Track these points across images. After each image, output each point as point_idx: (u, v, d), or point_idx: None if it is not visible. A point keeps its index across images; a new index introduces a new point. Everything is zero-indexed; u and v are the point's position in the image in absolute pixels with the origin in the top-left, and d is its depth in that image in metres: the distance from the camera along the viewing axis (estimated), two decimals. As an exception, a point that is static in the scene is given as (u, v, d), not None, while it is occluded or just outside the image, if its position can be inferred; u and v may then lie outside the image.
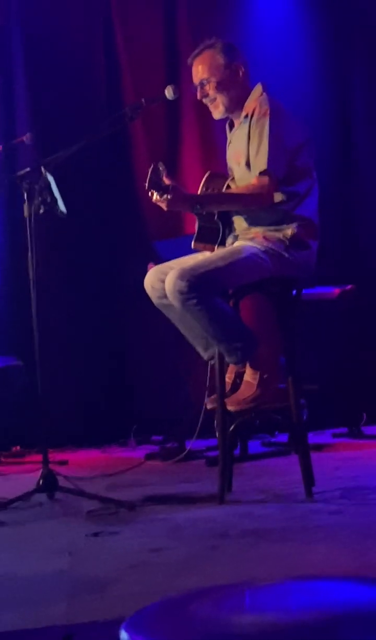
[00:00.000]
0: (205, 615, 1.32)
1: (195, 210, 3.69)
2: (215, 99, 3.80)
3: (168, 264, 3.76)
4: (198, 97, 3.83)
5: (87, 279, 5.59)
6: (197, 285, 3.47)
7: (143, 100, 3.79)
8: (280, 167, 3.63)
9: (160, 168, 3.60)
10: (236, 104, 3.79)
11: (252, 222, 3.71)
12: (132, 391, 5.60)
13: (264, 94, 3.73)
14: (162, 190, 3.53)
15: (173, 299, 3.53)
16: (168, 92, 3.76)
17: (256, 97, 3.74)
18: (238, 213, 3.74)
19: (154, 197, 3.56)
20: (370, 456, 4.53)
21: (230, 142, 3.92)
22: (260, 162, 3.62)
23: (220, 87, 3.77)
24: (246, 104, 3.77)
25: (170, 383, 5.10)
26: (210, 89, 3.79)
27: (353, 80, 5.77)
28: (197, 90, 3.82)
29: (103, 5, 5.72)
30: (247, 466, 4.41)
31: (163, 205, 3.60)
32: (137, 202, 5.33)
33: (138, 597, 2.43)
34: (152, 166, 3.59)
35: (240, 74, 3.78)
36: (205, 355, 3.76)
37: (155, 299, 3.76)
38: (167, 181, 3.60)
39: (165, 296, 3.61)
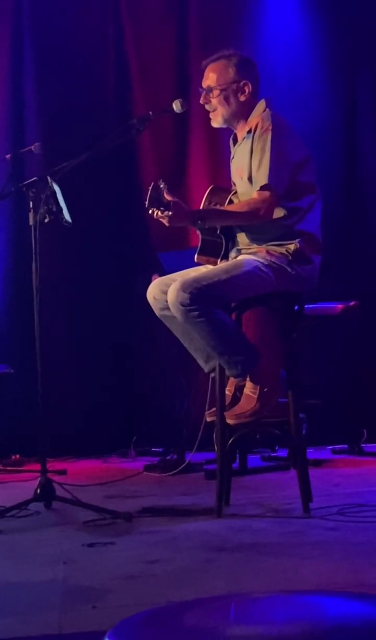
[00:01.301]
0: (189, 626, 1.31)
1: (196, 226, 3.71)
2: (216, 109, 3.83)
3: (171, 276, 3.77)
4: (201, 101, 3.87)
5: (90, 288, 5.60)
6: (199, 297, 3.48)
7: (151, 112, 3.81)
8: (282, 182, 3.64)
9: (161, 185, 3.61)
10: (236, 118, 3.83)
11: (255, 237, 3.72)
12: (133, 402, 5.61)
13: (267, 109, 3.74)
14: (163, 206, 3.55)
15: (175, 311, 3.54)
16: (176, 106, 3.78)
17: (259, 112, 3.76)
18: (241, 228, 3.75)
19: (156, 214, 3.58)
20: (369, 473, 4.52)
21: (233, 156, 3.93)
22: (262, 176, 3.63)
23: (224, 99, 3.80)
24: (250, 119, 3.79)
25: (171, 395, 5.10)
26: (214, 98, 3.82)
27: (360, 95, 5.78)
28: (201, 94, 3.85)
29: (115, 17, 5.74)
30: (245, 480, 4.41)
31: (165, 222, 3.61)
32: (143, 214, 5.34)
33: (131, 608, 2.42)
34: (152, 184, 3.60)
35: (247, 91, 3.79)
36: (205, 368, 3.76)
37: (157, 311, 3.76)
38: (168, 197, 3.61)
39: (168, 308, 3.61)
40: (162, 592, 2.60)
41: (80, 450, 5.40)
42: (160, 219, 3.61)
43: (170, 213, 3.55)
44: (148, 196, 3.55)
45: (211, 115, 3.89)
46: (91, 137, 4.89)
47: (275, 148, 3.62)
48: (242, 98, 3.80)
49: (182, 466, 4.66)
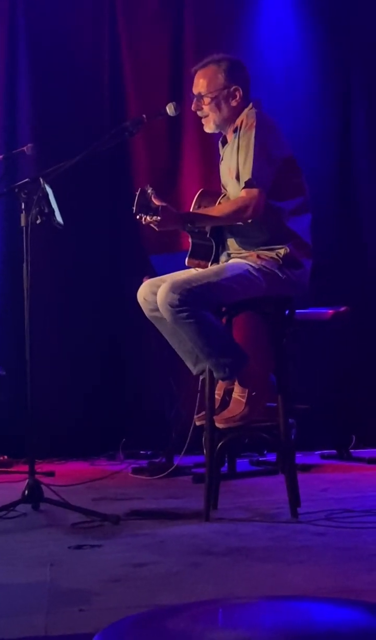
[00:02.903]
0: (177, 630, 1.31)
1: (186, 229, 3.70)
2: (208, 115, 3.83)
3: (161, 278, 3.77)
4: (193, 108, 3.86)
5: (81, 290, 5.60)
6: (189, 298, 3.48)
7: (144, 115, 3.81)
8: (267, 177, 3.63)
9: (148, 190, 3.60)
10: (227, 124, 3.82)
11: (244, 242, 3.72)
12: (122, 405, 5.61)
13: (253, 109, 3.75)
14: (152, 211, 3.54)
15: (164, 311, 3.53)
16: (170, 109, 3.78)
17: (245, 111, 3.76)
18: (231, 233, 3.75)
19: (144, 220, 3.57)
20: (357, 479, 4.53)
21: (222, 158, 3.94)
22: (246, 172, 3.62)
23: (215, 105, 3.80)
24: (237, 119, 3.78)
25: (161, 398, 5.10)
26: (205, 105, 3.82)
27: (355, 96, 5.80)
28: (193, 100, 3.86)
29: (109, 19, 5.75)
30: (234, 484, 4.41)
31: (154, 226, 3.61)
32: (135, 216, 5.35)
33: (118, 611, 2.42)
34: (139, 190, 3.59)
35: (237, 96, 3.79)
36: (194, 371, 3.76)
37: (147, 312, 3.76)
38: (156, 202, 3.61)
39: (158, 309, 3.61)
40: (148, 596, 2.60)
41: (68, 452, 5.39)
42: (150, 224, 3.60)
43: (159, 218, 3.55)
44: (135, 202, 3.54)
45: (203, 122, 3.88)
46: (84, 139, 4.88)
47: (259, 144, 3.62)
48: (234, 103, 3.80)
49: (170, 469, 4.65)
